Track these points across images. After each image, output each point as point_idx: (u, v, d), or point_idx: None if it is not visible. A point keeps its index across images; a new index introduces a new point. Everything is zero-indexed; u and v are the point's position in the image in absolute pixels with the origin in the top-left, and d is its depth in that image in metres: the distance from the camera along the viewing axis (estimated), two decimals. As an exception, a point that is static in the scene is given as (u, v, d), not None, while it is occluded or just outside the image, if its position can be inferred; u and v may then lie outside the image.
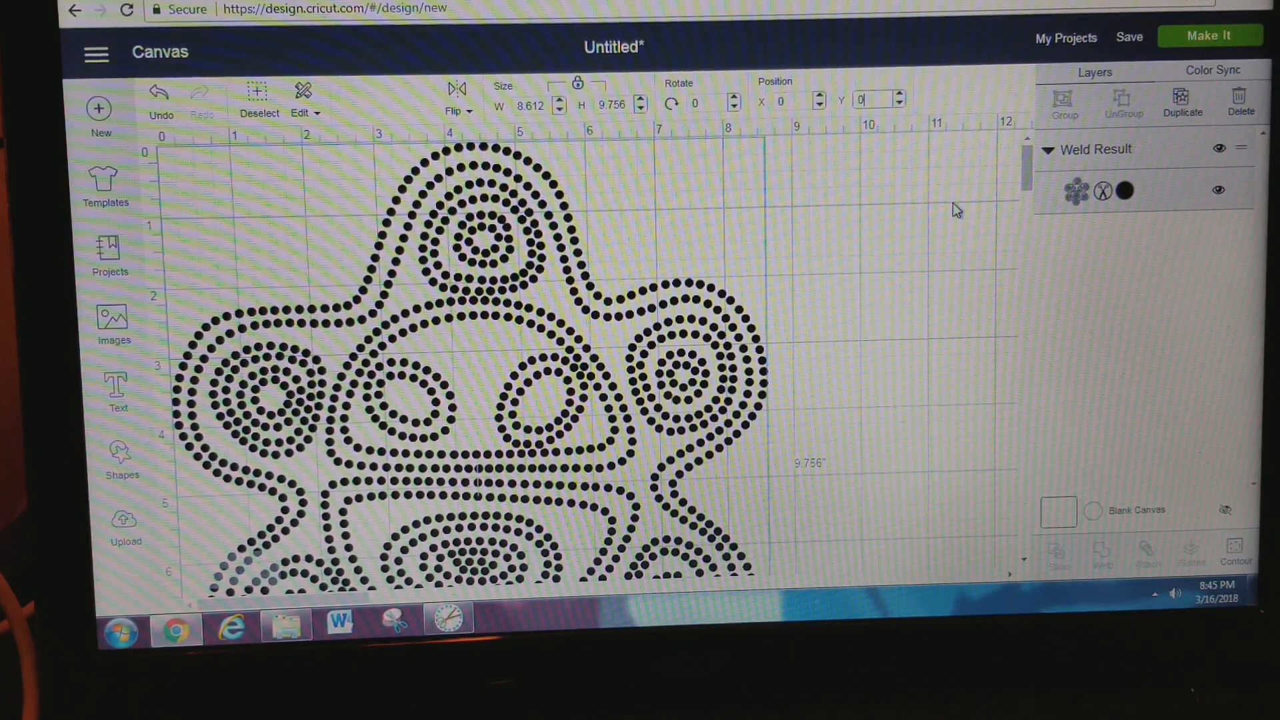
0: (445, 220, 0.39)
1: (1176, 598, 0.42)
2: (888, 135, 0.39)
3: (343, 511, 0.40)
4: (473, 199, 0.39)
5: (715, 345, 0.40)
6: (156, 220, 0.38)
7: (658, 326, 0.40)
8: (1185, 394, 0.41)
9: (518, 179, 0.39)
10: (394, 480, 0.40)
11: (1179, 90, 0.40)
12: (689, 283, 0.40)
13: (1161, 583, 0.42)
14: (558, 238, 0.39)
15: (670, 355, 0.40)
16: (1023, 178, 0.40)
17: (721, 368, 0.40)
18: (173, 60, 0.38)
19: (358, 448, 0.40)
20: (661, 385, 0.40)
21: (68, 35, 0.37)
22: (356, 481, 0.40)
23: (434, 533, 0.40)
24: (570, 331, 0.40)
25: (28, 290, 0.38)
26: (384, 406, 0.39)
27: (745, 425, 0.40)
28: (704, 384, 0.40)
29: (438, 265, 0.39)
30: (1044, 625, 0.41)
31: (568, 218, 0.39)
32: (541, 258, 0.39)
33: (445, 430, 0.40)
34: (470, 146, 0.39)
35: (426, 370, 0.39)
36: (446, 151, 0.39)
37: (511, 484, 0.40)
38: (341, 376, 0.39)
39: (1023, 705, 0.41)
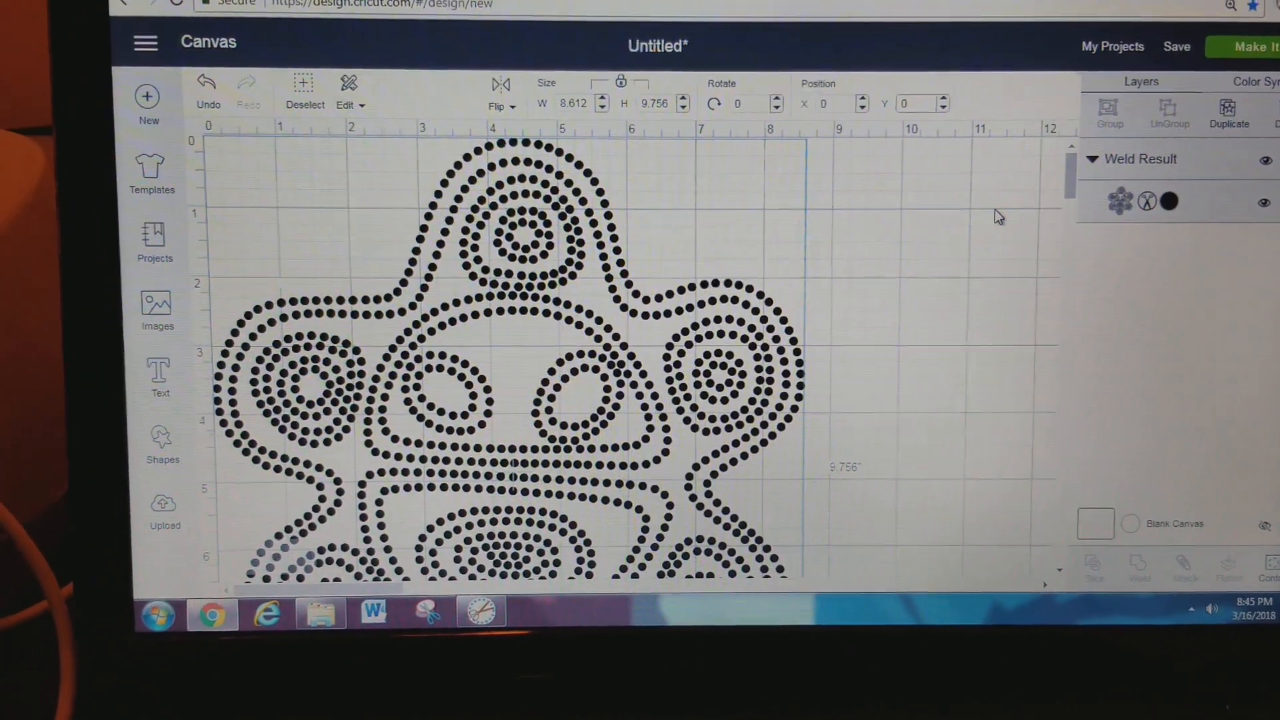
0: (486, 215, 0.39)
1: (1213, 613, 0.41)
2: (930, 140, 0.39)
3: (379, 502, 0.40)
4: (514, 194, 0.39)
5: (753, 346, 0.40)
6: (201, 208, 0.39)
7: (695, 326, 0.40)
8: (1226, 408, 0.40)
9: (559, 176, 0.39)
10: (430, 472, 0.40)
11: (1226, 101, 0.39)
12: (728, 283, 0.40)
13: (1198, 597, 0.41)
14: (597, 235, 0.39)
15: (707, 355, 0.40)
16: (1066, 185, 0.39)
17: (759, 369, 0.40)
18: (221, 50, 0.38)
19: (395, 439, 0.40)
20: (698, 385, 0.40)
21: (117, 23, 0.38)
22: (393, 472, 0.40)
23: (468, 525, 0.40)
24: (608, 329, 0.40)
25: (73, 275, 0.38)
26: (422, 398, 0.40)
27: (781, 427, 0.40)
28: (741, 385, 0.40)
29: (478, 260, 0.39)
30: (1077, 636, 0.41)
31: (608, 215, 0.39)
32: (581, 255, 0.39)
33: (482, 424, 0.40)
34: (513, 142, 0.39)
35: (465, 364, 0.40)
36: (489, 146, 0.39)
37: (546, 479, 0.40)
38: (380, 368, 0.40)
39: (1052, 713, 0.41)
